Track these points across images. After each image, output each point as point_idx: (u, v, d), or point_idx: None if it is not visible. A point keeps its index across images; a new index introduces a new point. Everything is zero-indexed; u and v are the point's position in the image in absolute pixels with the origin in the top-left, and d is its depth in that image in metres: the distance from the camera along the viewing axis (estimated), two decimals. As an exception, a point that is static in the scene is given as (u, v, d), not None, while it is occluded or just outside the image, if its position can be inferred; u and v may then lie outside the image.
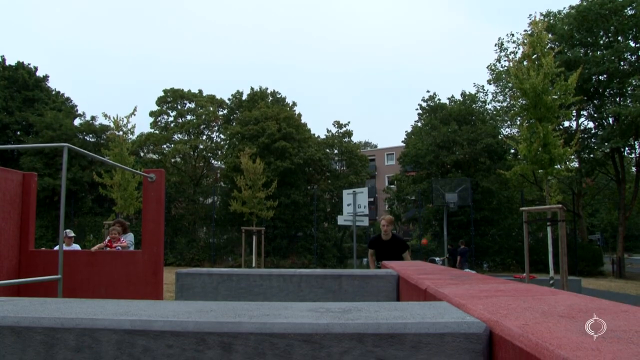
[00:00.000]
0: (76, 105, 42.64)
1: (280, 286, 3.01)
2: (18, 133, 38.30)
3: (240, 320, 1.12)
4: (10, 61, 40.10)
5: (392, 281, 3.06)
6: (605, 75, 28.22)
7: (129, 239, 8.72)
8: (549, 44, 16.90)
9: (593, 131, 30.87)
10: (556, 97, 12.23)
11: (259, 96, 41.40)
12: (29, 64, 40.26)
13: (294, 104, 42.46)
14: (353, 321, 1.12)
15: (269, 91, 42.65)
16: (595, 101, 29.67)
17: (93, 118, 39.93)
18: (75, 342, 1.15)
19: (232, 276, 3.03)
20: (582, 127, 31.00)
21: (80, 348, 1.14)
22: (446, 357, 1.09)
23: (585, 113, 30.98)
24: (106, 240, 8.56)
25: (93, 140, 38.83)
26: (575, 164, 30.07)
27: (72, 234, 9.90)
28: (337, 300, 2.94)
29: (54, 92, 41.90)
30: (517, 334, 0.99)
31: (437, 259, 27.93)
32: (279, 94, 42.90)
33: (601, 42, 29.28)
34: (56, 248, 8.10)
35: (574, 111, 25.04)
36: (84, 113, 42.62)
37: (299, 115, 38.33)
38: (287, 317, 1.16)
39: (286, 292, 3.00)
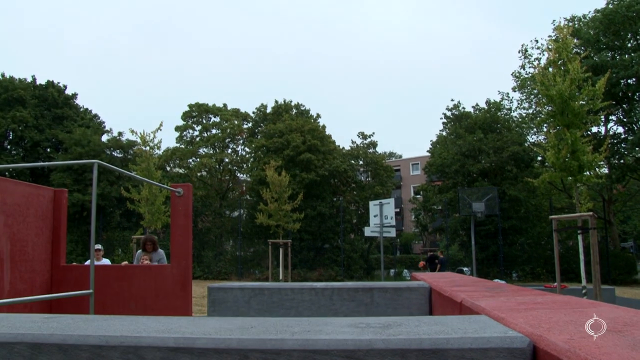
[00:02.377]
0: (104, 122, 43.50)
1: (312, 300, 3.01)
2: (48, 150, 39.17)
3: (283, 337, 1.13)
4: (41, 80, 41.12)
5: (425, 293, 3.03)
6: (634, 79, 27.71)
7: (163, 261, 8.65)
8: (575, 49, 16.69)
9: (623, 136, 30.26)
10: (584, 102, 12.03)
11: (283, 109, 41.60)
12: (58, 83, 41.22)
13: (318, 115, 42.53)
14: (395, 337, 1.11)
15: (293, 104, 42.82)
16: (624, 105, 29.12)
17: (120, 134, 40.68)
18: (121, 359, 1.16)
19: (264, 290, 3.04)
20: (611, 132, 30.43)
21: (125, 365, 1.16)
22: (490, 372, 1.08)
23: (614, 118, 30.42)
24: None
25: (120, 155, 39.52)
26: (605, 170, 29.49)
27: (100, 247, 10.11)
28: (369, 313, 2.92)
29: (82, 110, 42.78)
30: (563, 349, 0.98)
31: (465, 269, 27.63)
32: (303, 106, 43.03)
33: (629, 45, 28.78)
34: (87, 263, 8.21)
35: (603, 116, 24.63)
36: (111, 129, 43.43)
37: (324, 127, 38.37)
38: (328, 333, 1.16)
39: (318, 305, 3.00)
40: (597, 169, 13.79)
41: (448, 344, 1.09)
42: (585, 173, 12.26)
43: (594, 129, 28.13)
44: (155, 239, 9.06)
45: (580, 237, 11.93)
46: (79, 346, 1.19)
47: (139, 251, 9.31)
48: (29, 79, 40.34)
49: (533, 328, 1.18)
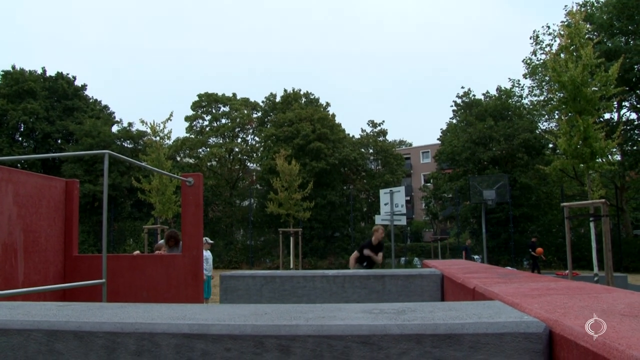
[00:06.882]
0: (114, 113, 43.70)
1: (323, 287, 3.01)
2: (59, 141, 39.42)
3: (297, 323, 1.13)
4: (51, 72, 41.27)
5: (436, 280, 3.03)
6: (648, 65, 27.40)
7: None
8: (588, 35, 16.48)
9: (636, 122, 29.99)
10: (596, 88, 11.90)
11: (292, 98, 41.53)
12: (67, 74, 41.36)
13: (328, 104, 42.43)
14: (410, 322, 1.11)
15: (302, 92, 42.71)
16: (638, 91, 28.81)
17: (130, 124, 40.84)
18: (136, 346, 1.17)
19: (276, 278, 3.05)
20: (624, 119, 30.13)
21: (140, 352, 1.17)
22: (505, 357, 1.08)
23: (627, 104, 30.12)
24: None
25: (131, 146, 39.69)
26: (618, 157, 29.23)
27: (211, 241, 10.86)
28: (381, 301, 2.93)
29: (92, 101, 42.95)
30: (580, 334, 0.97)
31: (476, 257, 27.59)
32: (313, 95, 42.92)
33: (643, 30, 28.43)
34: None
35: (616, 102, 24.36)
36: (121, 120, 43.63)
37: (333, 115, 38.32)
38: (343, 318, 1.16)
39: (330, 293, 3.00)
40: (609, 156, 13.65)
41: (463, 329, 1.09)
42: (597, 160, 12.15)
43: (607, 116, 27.86)
44: (177, 234, 8.79)
45: (592, 225, 11.86)
46: (95, 333, 1.20)
47: (161, 241, 9.33)
48: (39, 71, 40.54)
49: (548, 313, 1.17)
